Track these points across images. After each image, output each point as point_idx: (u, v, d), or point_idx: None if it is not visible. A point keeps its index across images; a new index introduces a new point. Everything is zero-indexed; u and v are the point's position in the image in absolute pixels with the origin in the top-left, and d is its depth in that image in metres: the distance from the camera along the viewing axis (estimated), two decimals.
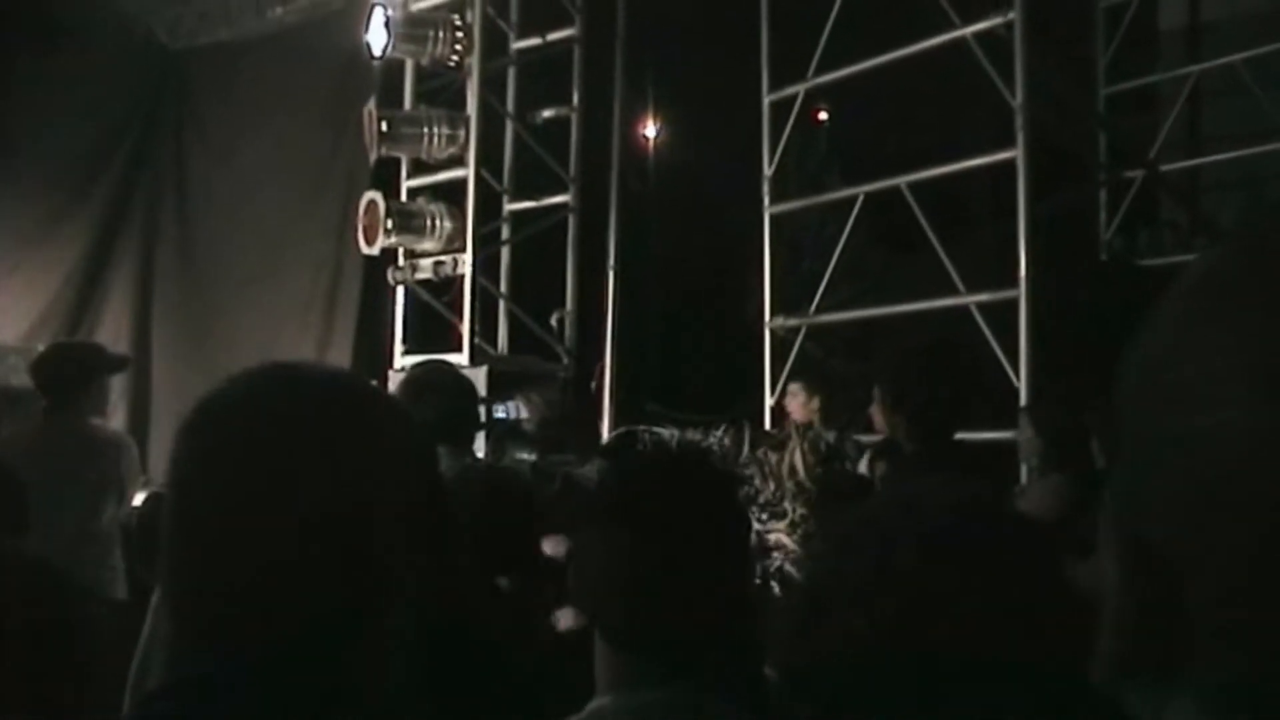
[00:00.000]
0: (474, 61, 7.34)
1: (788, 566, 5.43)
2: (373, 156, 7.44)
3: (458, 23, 7.35)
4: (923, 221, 6.71)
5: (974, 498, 1.07)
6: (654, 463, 2.08)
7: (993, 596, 0.97)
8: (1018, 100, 6.23)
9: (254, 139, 9.92)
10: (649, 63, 9.19)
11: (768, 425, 7.38)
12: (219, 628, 1.09)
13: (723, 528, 1.75)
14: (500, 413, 6.30)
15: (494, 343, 7.79)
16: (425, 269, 7.48)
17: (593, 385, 7.85)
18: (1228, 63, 7.69)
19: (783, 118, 7.63)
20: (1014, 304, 6.17)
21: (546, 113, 8.01)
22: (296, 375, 1.22)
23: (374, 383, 6.96)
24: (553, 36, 7.91)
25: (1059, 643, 0.95)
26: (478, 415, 4.57)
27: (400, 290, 7.79)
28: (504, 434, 5.50)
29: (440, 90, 7.76)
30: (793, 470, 6.00)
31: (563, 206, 7.89)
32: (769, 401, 7.39)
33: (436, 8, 7.56)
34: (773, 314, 7.62)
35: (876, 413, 3.98)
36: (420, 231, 7.36)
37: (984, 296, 6.39)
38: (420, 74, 7.78)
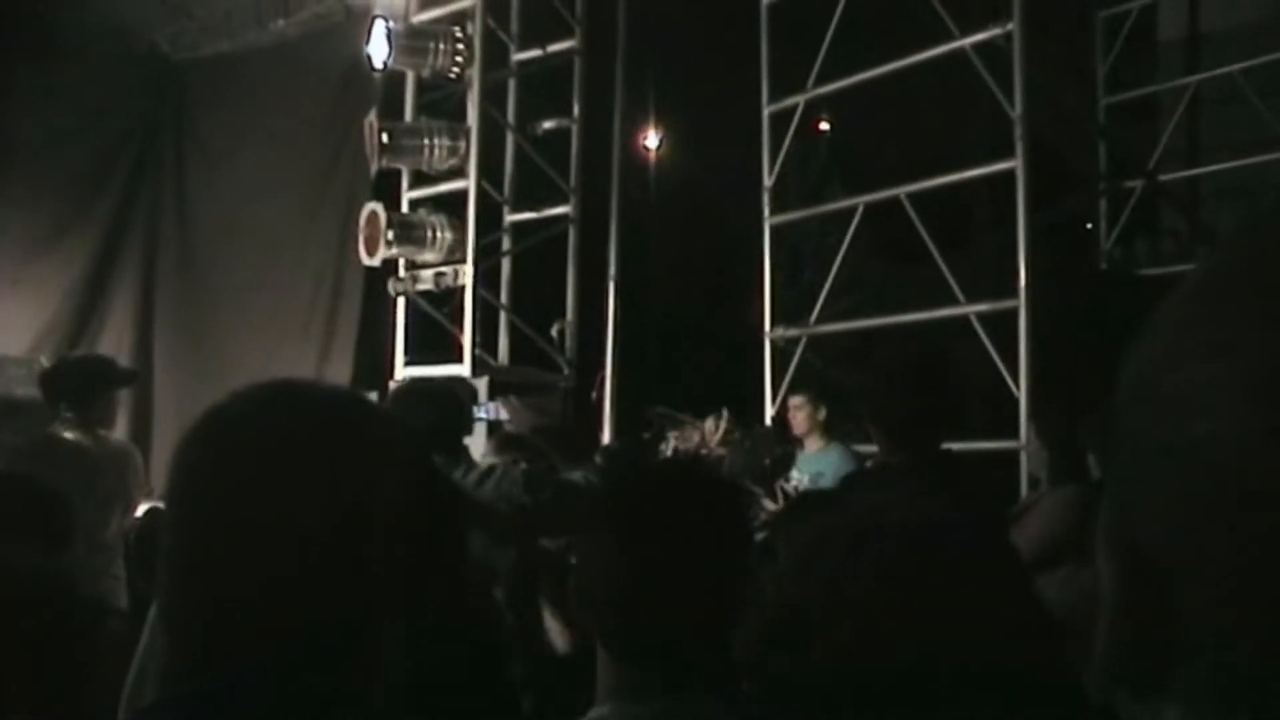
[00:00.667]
0: (475, 73, 7.35)
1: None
2: (374, 168, 7.45)
3: (458, 35, 7.36)
4: (922, 232, 6.72)
5: (931, 514, 1.06)
6: (653, 470, 2.07)
7: (949, 613, 0.96)
8: (1017, 110, 6.24)
9: (254, 150, 9.93)
10: (649, 74, 9.22)
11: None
12: (216, 642, 1.09)
13: (722, 536, 1.74)
14: (481, 414, 6.30)
15: (495, 353, 7.79)
16: (426, 280, 7.49)
17: (593, 395, 7.85)
18: (1227, 73, 7.71)
19: (782, 128, 7.65)
20: (1014, 314, 6.17)
21: (547, 124, 8.02)
22: (295, 392, 1.23)
23: (373, 395, 6.98)
24: (553, 48, 7.93)
25: (1020, 654, 0.93)
26: (467, 423, 4.61)
27: (401, 301, 7.80)
28: (504, 440, 5.50)
29: (441, 102, 7.77)
30: None
31: (563, 218, 7.90)
32: (769, 412, 7.39)
33: (437, 20, 7.58)
34: (773, 324, 7.62)
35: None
36: (421, 242, 7.36)
37: (984, 306, 6.39)
38: (421, 86, 7.79)
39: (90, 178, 10.48)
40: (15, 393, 6.78)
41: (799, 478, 6.06)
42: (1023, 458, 5.72)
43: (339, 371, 9.27)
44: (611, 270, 8.17)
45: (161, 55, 10.79)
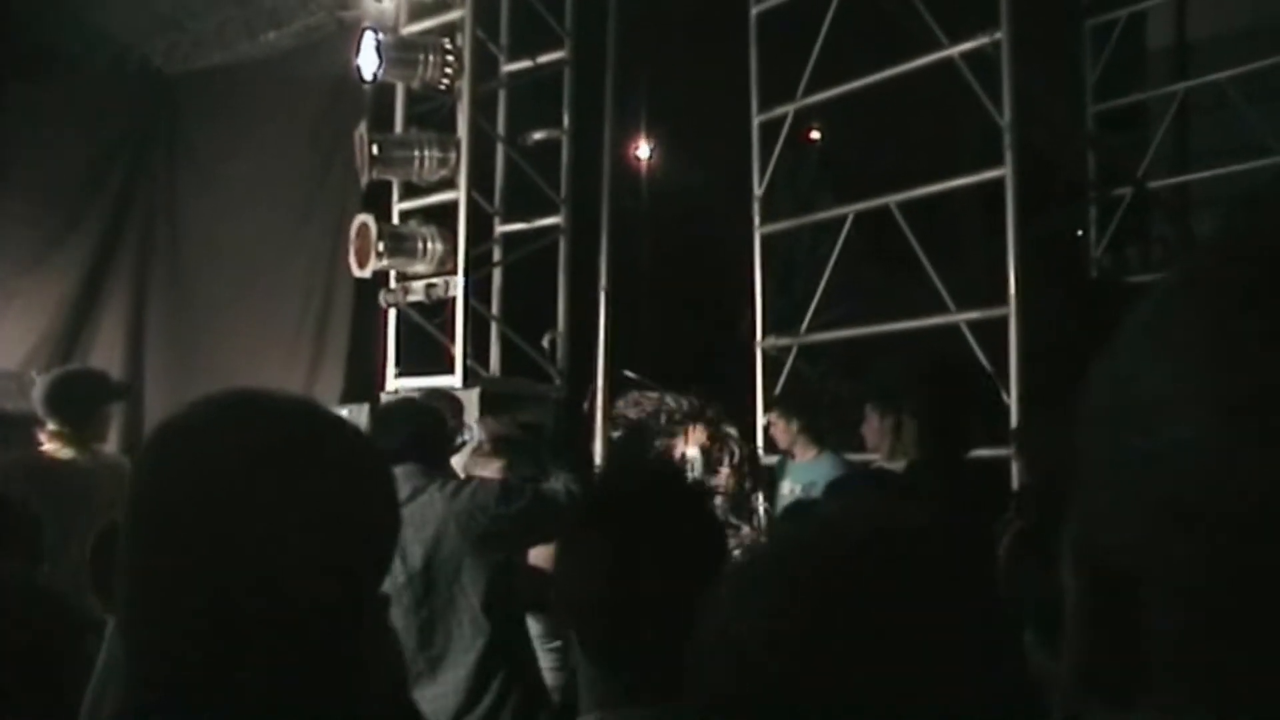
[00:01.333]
0: (465, 84, 7.36)
1: None
2: (364, 180, 7.44)
3: (448, 46, 7.37)
4: (912, 240, 6.73)
5: (888, 530, 0.98)
6: (631, 475, 2.06)
7: (892, 647, 0.89)
8: (1006, 119, 6.25)
9: (245, 162, 9.95)
10: (640, 85, 9.23)
11: (760, 445, 7.40)
12: (176, 654, 1.08)
13: (702, 541, 1.74)
14: (465, 437, 6.30)
15: (486, 364, 7.80)
16: (417, 291, 7.49)
17: (584, 406, 7.85)
18: (1215, 80, 7.74)
19: (773, 138, 7.66)
20: (1004, 322, 6.18)
21: (537, 135, 8.03)
22: (251, 402, 1.21)
23: (364, 407, 6.97)
24: (543, 59, 7.94)
25: (969, 682, 0.89)
26: (448, 437, 4.62)
27: (392, 313, 7.79)
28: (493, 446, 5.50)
29: (431, 113, 7.78)
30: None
31: (554, 228, 7.91)
32: (760, 422, 7.40)
33: (427, 32, 7.59)
34: (764, 334, 7.63)
35: (870, 432, 3.98)
36: (412, 254, 7.36)
37: (974, 314, 6.40)
38: (411, 97, 7.80)
39: (82, 191, 10.49)
40: (6, 406, 6.77)
41: (791, 487, 6.07)
42: (1014, 466, 5.72)
43: (330, 383, 9.27)
44: (603, 280, 8.15)
45: (154, 69, 10.80)
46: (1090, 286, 8.05)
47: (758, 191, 7.72)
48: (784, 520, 3.65)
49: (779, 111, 7.60)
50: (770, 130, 7.69)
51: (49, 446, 4.99)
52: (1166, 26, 8.38)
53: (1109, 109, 8.59)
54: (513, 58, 7.99)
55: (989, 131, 6.42)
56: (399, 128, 7.77)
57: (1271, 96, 7.45)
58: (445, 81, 7.38)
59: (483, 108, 7.59)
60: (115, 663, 2.34)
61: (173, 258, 10.63)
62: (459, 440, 5.65)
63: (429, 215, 7.57)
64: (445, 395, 6.37)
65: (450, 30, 7.45)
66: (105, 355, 10.13)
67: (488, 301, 7.89)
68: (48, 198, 10.20)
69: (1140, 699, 0.64)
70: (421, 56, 7.35)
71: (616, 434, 7.38)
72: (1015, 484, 5.61)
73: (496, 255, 7.98)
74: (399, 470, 3.96)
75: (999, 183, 6.30)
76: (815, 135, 9.79)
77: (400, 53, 7.36)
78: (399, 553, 3.92)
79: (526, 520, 4.00)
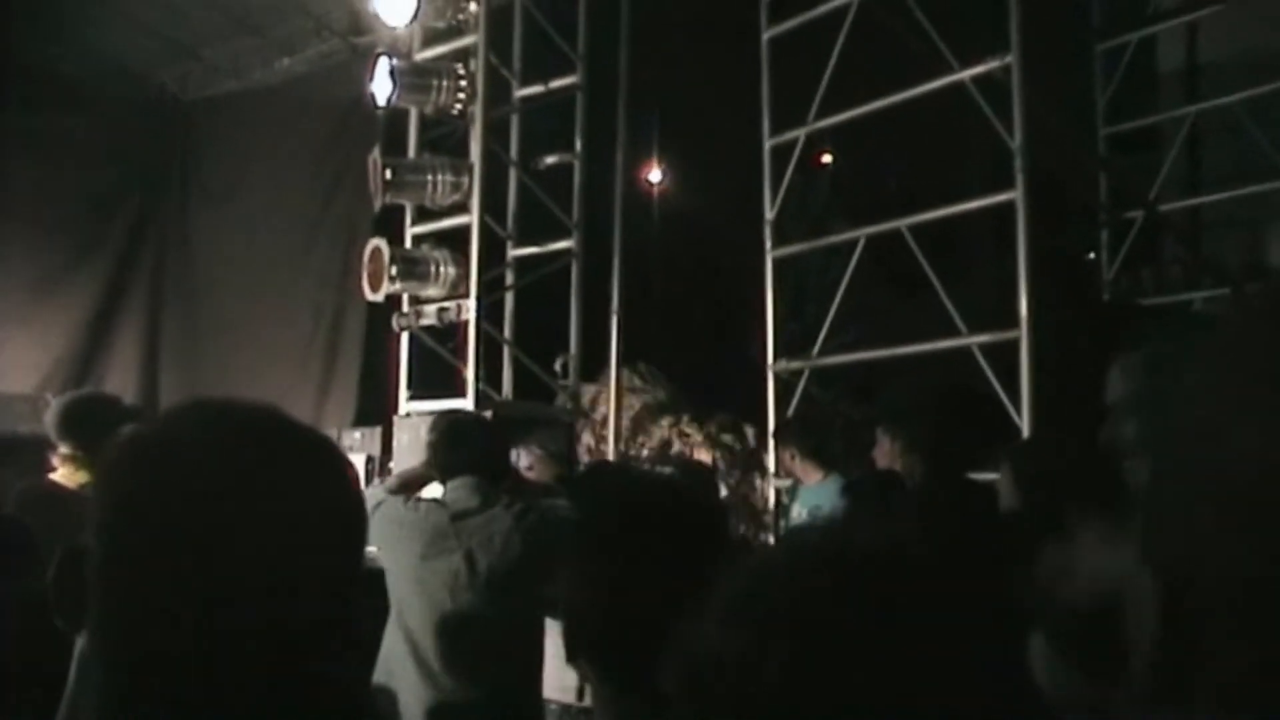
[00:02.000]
0: (477, 109, 7.39)
1: None
2: (377, 204, 7.48)
3: (461, 72, 7.41)
4: (924, 263, 6.73)
5: (876, 552, 0.96)
6: (636, 494, 2.05)
7: (884, 673, 0.87)
8: (1017, 142, 6.26)
9: (258, 187, 10.03)
10: (651, 109, 9.28)
11: (772, 468, 7.40)
12: (151, 670, 1.07)
13: (711, 554, 1.73)
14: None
15: (498, 388, 7.81)
16: (430, 315, 7.51)
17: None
18: (1226, 103, 7.74)
19: (784, 161, 7.67)
20: (1015, 345, 6.17)
21: (549, 159, 8.07)
22: (216, 412, 1.20)
23: (377, 429, 6.98)
24: (555, 84, 7.98)
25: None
26: (506, 455, 4.80)
27: (405, 336, 7.82)
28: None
29: (444, 138, 7.82)
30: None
31: (566, 252, 7.94)
32: (772, 445, 7.39)
33: (440, 57, 7.64)
34: (776, 357, 7.63)
35: (881, 455, 3.98)
36: (424, 278, 7.39)
37: (985, 337, 6.39)
38: (424, 122, 7.84)
39: (98, 216, 10.60)
40: (19, 430, 6.79)
41: (799, 510, 6.07)
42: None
43: (342, 405, 9.32)
44: (614, 304, 8.19)
45: (170, 96, 10.90)
46: (1102, 309, 8.03)
47: (769, 215, 7.73)
48: (780, 543, 3.65)
49: (790, 135, 7.62)
50: (781, 154, 7.70)
51: (62, 470, 5.01)
52: (1177, 50, 8.39)
53: (1120, 132, 8.59)
54: (525, 83, 8.04)
55: (1000, 154, 6.42)
56: (412, 152, 7.82)
57: None
58: (458, 106, 7.41)
59: (495, 132, 7.62)
60: (86, 683, 2.33)
61: (186, 280, 10.71)
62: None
63: (442, 239, 7.59)
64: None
65: (463, 56, 7.50)
66: (120, 377, 10.19)
67: (500, 325, 7.92)
68: (64, 223, 10.30)
69: (1202, 699, 0.68)
70: (435, 82, 7.39)
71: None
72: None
73: (509, 279, 8.01)
74: (460, 483, 4.25)
75: (1010, 205, 6.31)
76: (826, 159, 9.83)
77: (414, 78, 7.40)
78: (466, 561, 4.11)
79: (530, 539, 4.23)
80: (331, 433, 7.95)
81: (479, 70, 7.40)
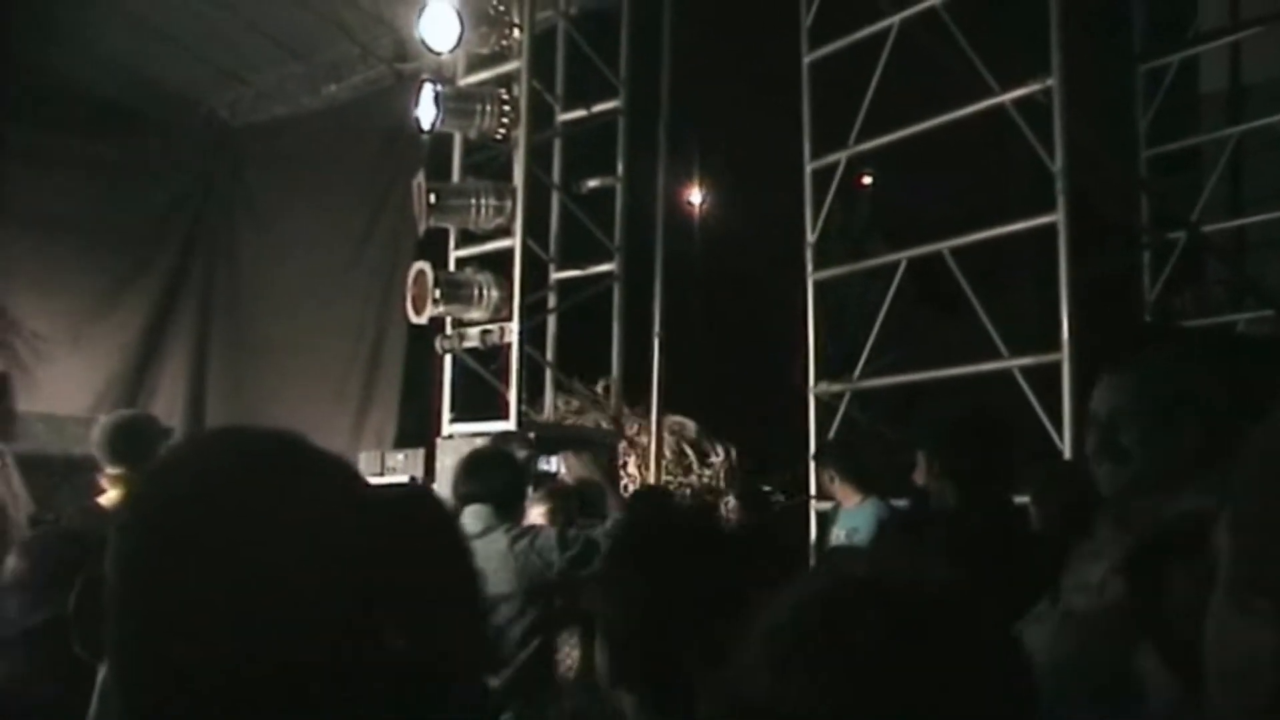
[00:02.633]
0: (520, 134, 7.47)
1: None
2: (421, 228, 7.55)
3: (504, 96, 7.48)
4: (965, 285, 6.73)
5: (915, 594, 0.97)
6: (669, 521, 2.09)
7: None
8: (1058, 165, 6.26)
9: (304, 210, 10.15)
10: (692, 132, 9.33)
11: (813, 491, 7.41)
12: (172, 700, 1.07)
13: (733, 576, 1.75)
14: (545, 466, 6.46)
15: (540, 410, 7.87)
16: (473, 338, 7.58)
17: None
18: (1269, 124, 7.70)
19: (825, 184, 7.69)
20: (1057, 367, 6.16)
21: (591, 183, 8.14)
22: (231, 440, 1.21)
23: (420, 451, 7.04)
24: (597, 108, 8.06)
25: None
26: (522, 487, 4.88)
27: (448, 359, 7.89)
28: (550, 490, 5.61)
29: (487, 162, 7.89)
30: None
31: (608, 275, 7.99)
32: (814, 468, 7.40)
33: (484, 82, 7.72)
34: (817, 380, 7.64)
35: (921, 477, 3.99)
36: (468, 301, 7.45)
37: (1027, 360, 6.38)
38: (468, 147, 7.92)
39: (149, 239, 10.77)
40: (74, 452, 6.90)
41: (837, 533, 6.08)
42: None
43: (382, 425, 9.40)
44: (656, 326, 8.24)
45: (220, 121, 11.07)
46: (1145, 330, 7.99)
47: (810, 238, 7.75)
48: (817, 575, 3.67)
49: (831, 158, 7.64)
50: (822, 177, 7.72)
51: (111, 492, 5.07)
52: (1220, 71, 8.35)
53: (1162, 153, 8.57)
54: (568, 107, 8.12)
55: (1040, 176, 6.42)
56: (456, 176, 7.90)
57: None
58: (501, 131, 7.49)
59: (538, 156, 7.70)
60: (107, 714, 2.33)
61: (233, 302, 10.86)
62: (539, 468, 5.90)
63: (485, 262, 7.67)
64: (519, 436, 6.53)
65: (507, 81, 7.58)
66: (168, 398, 10.34)
67: (542, 347, 7.98)
68: (115, 246, 10.48)
69: None
70: (479, 107, 7.47)
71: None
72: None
73: (551, 302, 8.07)
74: (473, 510, 4.37)
75: (1051, 228, 6.30)
76: (867, 181, 9.84)
77: (458, 103, 7.49)
78: None
79: (577, 567, 4.31)
80: (373, 454, 8.02)
81: (522, 95, 7.48)
